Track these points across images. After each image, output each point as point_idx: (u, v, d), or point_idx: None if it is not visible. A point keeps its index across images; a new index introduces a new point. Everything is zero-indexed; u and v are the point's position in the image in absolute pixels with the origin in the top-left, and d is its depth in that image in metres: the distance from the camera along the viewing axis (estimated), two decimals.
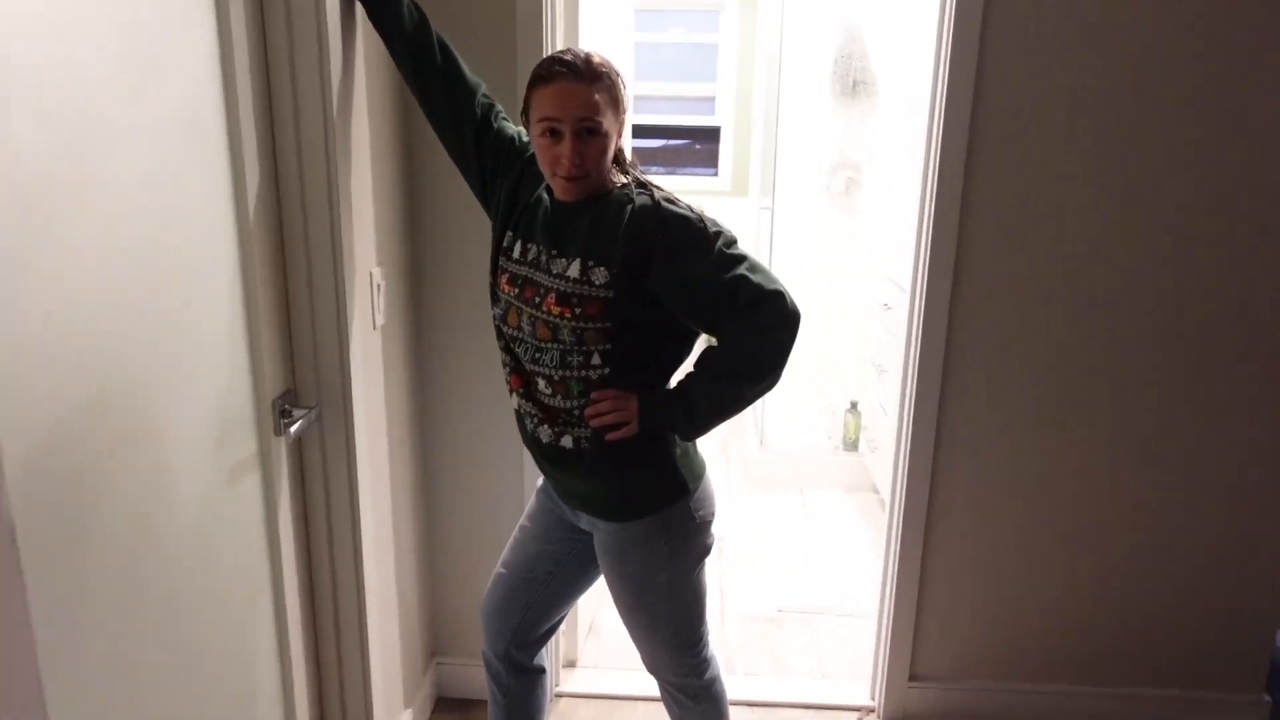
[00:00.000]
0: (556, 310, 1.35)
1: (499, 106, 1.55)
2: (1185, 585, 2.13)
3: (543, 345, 1.39)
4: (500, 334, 1.48)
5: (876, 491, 3.55)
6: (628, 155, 1.46)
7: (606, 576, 1.56)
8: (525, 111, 1.39)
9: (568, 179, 1.35)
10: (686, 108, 4.95)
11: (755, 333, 1.35)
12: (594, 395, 1.39)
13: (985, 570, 2.15)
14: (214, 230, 1.28)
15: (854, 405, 3.66)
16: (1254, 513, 2.07)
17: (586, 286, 1.34)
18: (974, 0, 1.79)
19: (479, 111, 1.51)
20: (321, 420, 1.58)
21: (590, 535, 1.57)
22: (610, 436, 1.40)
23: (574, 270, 1.35)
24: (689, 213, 1.36)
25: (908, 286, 2.06)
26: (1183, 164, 1.87)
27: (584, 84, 1.32)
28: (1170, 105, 1.84)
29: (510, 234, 1.47)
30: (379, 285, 1.72)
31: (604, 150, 1.35)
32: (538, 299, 1.38)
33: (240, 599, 1.39)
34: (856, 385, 3.66)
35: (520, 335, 1.43)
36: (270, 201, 1.44)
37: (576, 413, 1.41)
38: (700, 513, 1.49)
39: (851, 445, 3.70)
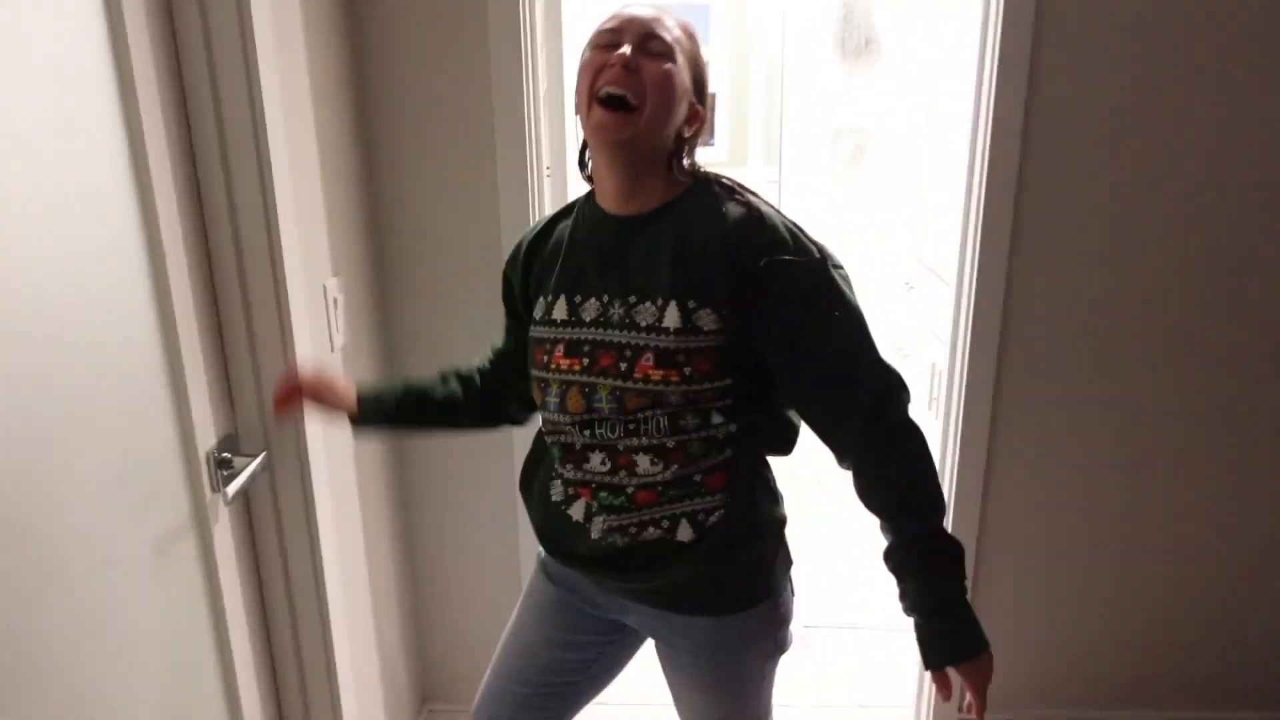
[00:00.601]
0: (658, 375, 1.00)
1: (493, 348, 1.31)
2: (1224, 606, 1.94)
3: (638, 416, 1.03)
4: (555, 428, 1.10)
5: None
6: None
7: (689, 683, 1.21)
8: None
9: (609, 104, 0.97)
10: None
11: (895, 451, 1.01)
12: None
13: (1033, 593, 1.94)
14: (112, 243, 0.99)
15: None
16: None
17: (693, 337, 1.00)
18: None
19: (498, 372, 1.28)
20: (271, 468, 1.30)
21: (630, 631, 1.24)
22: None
23: (671, 318, 1.00)
24: (809, 241, 1.01)
25: (934, 265, 1.81)
26: (1255, 150, 1.61)
27: (656, 13, 1.02)
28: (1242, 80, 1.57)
29: (542, 300, 1.11)
30: (336, 299, 1.44)
31: (668, 85, 0.99)
32: (623, 364, 1.02)
33: (181, 690, 1.13)
34: None
35: (601, 415, 1.05)
36: (188, 204, 1.15)
37: (698, 478, 1.06)
38: (793, 584, 1.20)
39: None
